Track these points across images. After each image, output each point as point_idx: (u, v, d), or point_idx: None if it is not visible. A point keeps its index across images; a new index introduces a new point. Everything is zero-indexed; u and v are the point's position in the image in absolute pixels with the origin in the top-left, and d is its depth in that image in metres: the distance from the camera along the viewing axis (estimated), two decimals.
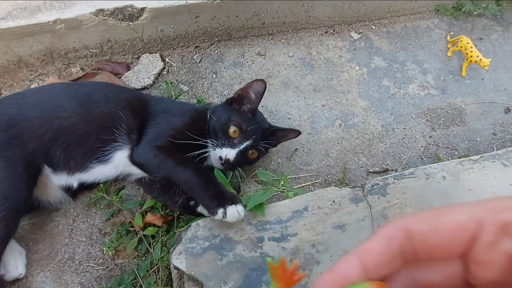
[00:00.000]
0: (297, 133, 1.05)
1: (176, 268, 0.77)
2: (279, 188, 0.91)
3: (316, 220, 0.79)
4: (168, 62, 1.29)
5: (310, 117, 1.23)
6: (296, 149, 1.17)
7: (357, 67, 1.35)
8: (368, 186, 0.85)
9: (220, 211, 0.75)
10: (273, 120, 1.21)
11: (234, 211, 0.75)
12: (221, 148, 0.94)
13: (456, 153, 1.20)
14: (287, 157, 1.15)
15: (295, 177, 1.11)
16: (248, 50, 1.34)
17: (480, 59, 1.26)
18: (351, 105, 1.27)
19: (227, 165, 0.95)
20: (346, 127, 1.22)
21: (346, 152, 1.17)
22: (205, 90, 1.25)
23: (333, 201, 0.82)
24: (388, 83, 1.33)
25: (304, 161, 1.15)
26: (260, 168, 1.09)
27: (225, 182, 0.88)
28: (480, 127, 1.27)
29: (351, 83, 1.31)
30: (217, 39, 1.33)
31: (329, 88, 1.29)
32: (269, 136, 1.01)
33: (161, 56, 1.29)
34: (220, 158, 0.94)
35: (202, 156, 0.95)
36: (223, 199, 0.77)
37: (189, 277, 0.74)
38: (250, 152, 0.97)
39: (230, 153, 0.93)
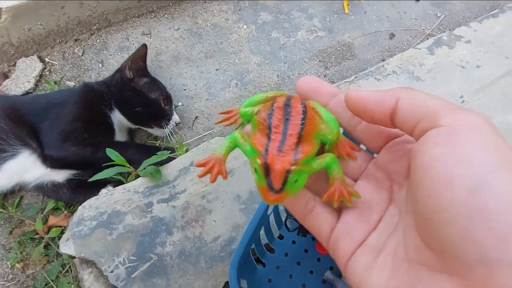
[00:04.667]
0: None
1: (71, 257, 0.74)
2: (177, 152, 0.90)
3: None
4: (48, 61, 1.23)
5: (206, 84, 1.22)
6: (197, 116, 1.16)
7: (245, 26, 1.36)
8: None
9: None
10: None
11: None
12: (168, 122, 1.02)
13: None
14: (189, 127, 1.14)
15: (198, 141, 1.10)
16: (132, 33, 1.31)
17: None
18: (245, 63, 1.27)
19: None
20: (242, 84, 1.23)
21: None
22: (93, 81, 1.20)
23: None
24: (278, 34, 1.35)
25: (206, 127, 1.14)
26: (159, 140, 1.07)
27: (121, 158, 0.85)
28: (370, 57, 1.32)
29: (241, 43, 1.32)
30: (95, 27, 1.28)
31: (220, 51, 1.29)
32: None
33: (40, 57, 1.23)
34: (172, 127, 1.04)
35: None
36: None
37: (81, 260, 0.71)
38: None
39: (176, 118, 1.05)
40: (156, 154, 0.81)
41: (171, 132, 1.03)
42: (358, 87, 0.93)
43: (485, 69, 0.98)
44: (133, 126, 1.04)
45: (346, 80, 0.95)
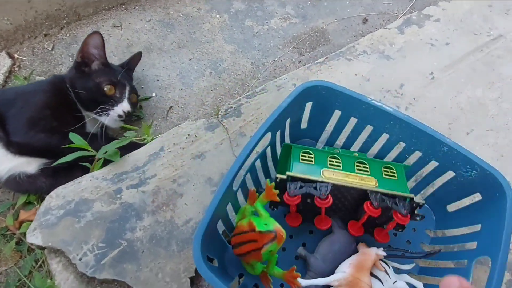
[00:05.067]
0: (140, 53, 1.14)
1: (41, 248, 0.72)
2: (142, 138, 0.88)
3: (174, 157, 0.78)
4: (17, 57, 1.20)
5: (179, 74, 1.21)
6: (171, 107, 1.14)
7: (218, 15, 1.35)
8: (222, 112, 0.85)
9: None
10: (142, 86, 1.17)
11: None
12: (113, 108, 0.96)
13: None
14: (163, 117, 1.13)
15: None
16: (103, 25, 1.29)
17: None
18: (218, 52, 1.26)
19: (128, 117, 1.00)
20: (216, 73, 1.22)
21: (221, 96, 1.17)
22: None
23: (188, 135, 0.81)
24: (251, 23, 1.34)
25: (181, 116, 1.13)
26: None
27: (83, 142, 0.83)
28: (343, 41, 1.32)
29: (214, 32, 1.31)
30: (65, 21, 1.26)
31: (193, 41, 1.28)
32: (130, 72, 1.08)
33: (8, 53, 1.20)
34: (120, 116, 0.97)
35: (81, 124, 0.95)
36: None
37: (49, 250, 0.69)
38: (131, 97, 1.01)
39: (124, 106, 0.96)
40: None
41: (123, 121, 1.00)
42: (329, 68, 0.93)
43: (454, 46, 0.99)
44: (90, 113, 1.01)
45: (317, 61, 0.95)
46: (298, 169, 0.69)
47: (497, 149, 0.86)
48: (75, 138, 0.81)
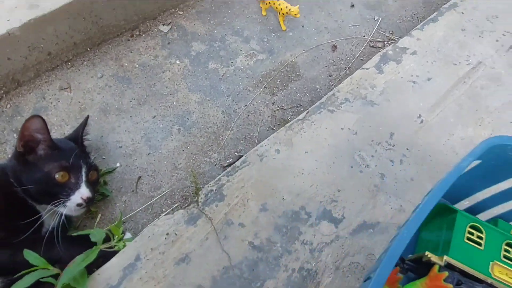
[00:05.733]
0: (87, 117, 1.00)
1: None
2: (112, 244, 0.75)
3: (153, 266, 0.66)
4: None
5: (144, 136, 1.08)
6: (140, 177, 1.02)
7: (177, 61, 1.23)
8: (202, 198, 0.75)
9: None
10: (103, 157, 1.04)
11: None
12: (70, 198, 0.81)
13: (302, 109, 1.16)
14: (133, 190, 1.00)
15: (147, 208, 0.97)
16: (48, 89, 1.13)
17: (289, 9, 1.22)
18: (184, 103, 1.15)
19: (90, 203, 0.84)
20: (186, 129, 1.10)
21: (194, 156, 1.06)
22: (9, 155, 1.02)
23: (167, 234, 0.70)
24: (215, 65, 1.23)
25: (153, 186, 1.01)
26: (100, 216, 0.92)
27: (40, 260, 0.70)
28: (316, 74, 1.24)
29: (176, 81, 1.19)
30: (3, 91, 1.10)
31: (155, 95, 1.15)
32: (83, 146, 0.96)
33: None
34: (79, 204, 0.82)
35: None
36: None
37: None
38: (90, 175, 0.87)
39: (83, 193, 0.82)
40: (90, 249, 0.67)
41: (85, 208, 0.86)
42: (312, 124, 0.84)
43: (436, 81, 0.93)
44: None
45: (298, 118, 0.86)
46: (459, 253, 0.51)
47: None
48: (31, 257, 0.68)
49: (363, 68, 0.98)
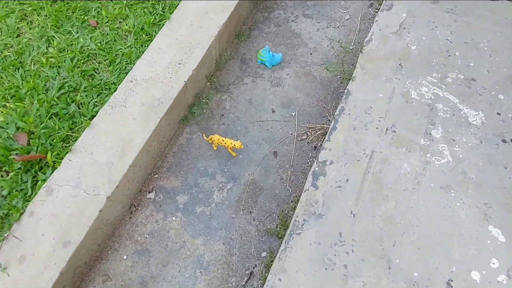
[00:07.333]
0: None
1: None
2: None
3: None
4: None
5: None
6: None
7: (173, 218, 1.62)
8: None
9: None
10: None
11: None
12: None
13: (274, 215, 1.61)
14: None
15: None
16: (94, 286, 1.48)
17: (234, 144, 1.65)
18: (194, 250, 1.55)
19: None
20: (205, 269, 1.51)
21: (220, 286, 1.47)
22: None
23: None
24: (201, 208, 1.64)
25: None
26: None
27: None
28: (272, 182, 1.69)
29: (180, 234, 1.58)
30: None
31: (170, 253, 1.54)
32: None
33: None
34: None
35: None
36: None
37: None
38: None
39: None
40: None
41: None
42: (291, 248, 1.29)
43: (351, 179, 1.42)
44: None
45: (281, 248, 1.31)
46: None
47: None
48: None
49: (305, 191, 1.44)
